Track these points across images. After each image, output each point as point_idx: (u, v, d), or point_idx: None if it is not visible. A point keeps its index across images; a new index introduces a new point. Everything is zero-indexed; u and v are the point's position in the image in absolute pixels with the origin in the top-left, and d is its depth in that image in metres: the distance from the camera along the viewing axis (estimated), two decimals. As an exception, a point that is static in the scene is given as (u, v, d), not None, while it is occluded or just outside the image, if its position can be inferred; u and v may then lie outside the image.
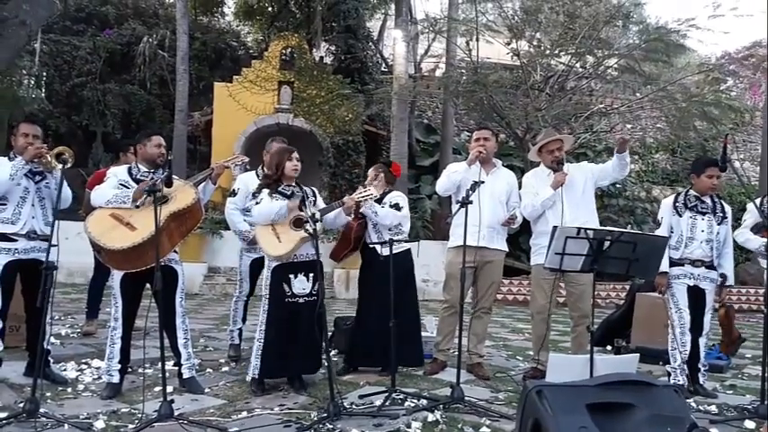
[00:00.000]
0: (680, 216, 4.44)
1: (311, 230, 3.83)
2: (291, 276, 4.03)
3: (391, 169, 4.92)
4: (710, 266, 4.40)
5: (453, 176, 4.66)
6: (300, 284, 4.04)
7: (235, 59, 16.10)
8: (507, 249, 4.85)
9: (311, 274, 4.07)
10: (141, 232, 3.57)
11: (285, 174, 4.12)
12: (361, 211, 4.49)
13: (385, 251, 4.47)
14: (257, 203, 4.08)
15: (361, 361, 4.71)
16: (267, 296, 4.06)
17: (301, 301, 4.04)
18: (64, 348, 5.09)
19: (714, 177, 4.42)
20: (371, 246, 4.63)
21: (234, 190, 5.02)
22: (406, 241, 4.65)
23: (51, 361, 4.09)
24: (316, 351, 4.12)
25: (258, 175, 4.94)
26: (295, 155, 4.16)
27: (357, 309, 4.87)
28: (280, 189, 4.11)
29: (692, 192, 4.53)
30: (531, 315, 4.86)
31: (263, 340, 4.03)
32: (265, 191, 4.09)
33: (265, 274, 4.14)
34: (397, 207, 4.62)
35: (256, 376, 4.03)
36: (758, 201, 4.57)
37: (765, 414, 3.68)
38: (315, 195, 4.32)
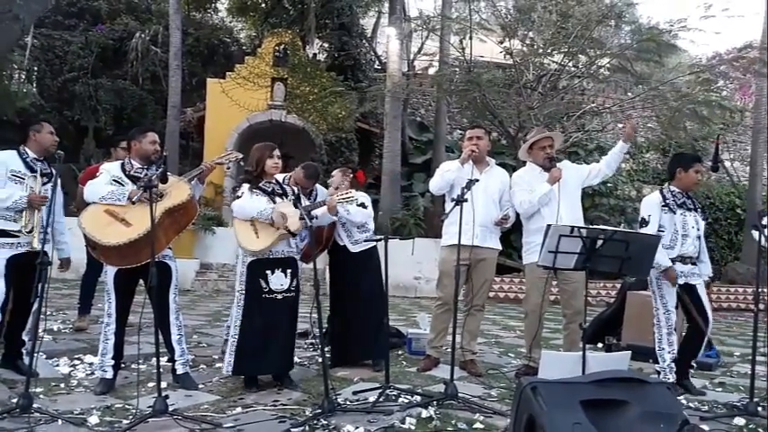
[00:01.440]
0: (673, 213, 4.37)
1: (291, 229, 3.93)
2: (268, 272, 4.02)
3: (356, 176, 5.20)
4: (694, 263, 4.43)
5: (447, 175, 4.68)
6: (278, 280, 4.04)
7: (228, 56, 16.01)
8: (500, 248, 4.85)
9: (288, 271, 4.08)
10: (137, 228, 3.56)
11: (265, 170, 4.12)
12: None
13: (354, 248, 4.75)
14: (238, 197, 4.07)
15: (343, 358, 4.77)
16: (243, 292, 4.05)
17: (279, 297, 4.03)
18: (56, 344, 5.08)
19: (700, 173, 4.45)
20: (342, 244, 4.80)
21: None
22: (375, 240, 4.68)
23: (24, 353, 4.08)
24: (290, 350, 4.15)
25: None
26: (276, 152, 4.14)
27: (331, 306, 4.97)
28: (260, 185, 4.10)
29: (674, 188, 4.49)
30: (524, 313, 4.89)
31: (237, 336, 4.00)
32: (245, 185, 4.09)
33: (240, 269, 4.12)
34: (363, 206, 4.75)
35: (230, 373, 4.02)
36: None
37: (755, 411, 3.72)
38: (294, 194, 4.31)
